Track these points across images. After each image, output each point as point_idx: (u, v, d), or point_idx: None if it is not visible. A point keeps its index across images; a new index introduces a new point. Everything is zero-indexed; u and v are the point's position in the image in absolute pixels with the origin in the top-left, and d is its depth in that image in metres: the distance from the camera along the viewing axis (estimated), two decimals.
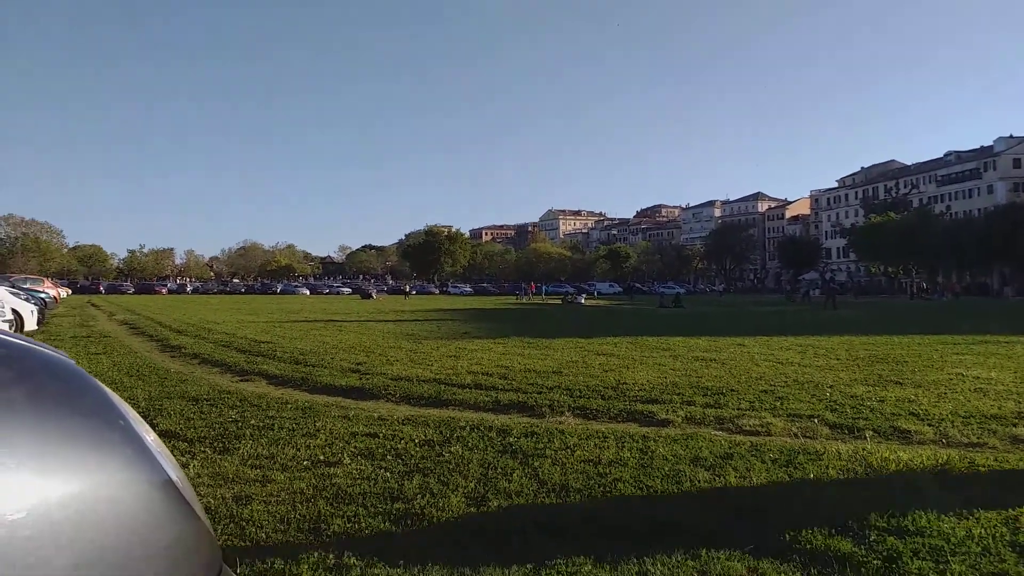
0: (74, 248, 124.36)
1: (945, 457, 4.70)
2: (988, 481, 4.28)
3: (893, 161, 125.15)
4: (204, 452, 4.97)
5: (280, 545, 3.30)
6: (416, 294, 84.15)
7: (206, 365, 10.54)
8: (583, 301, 50.82)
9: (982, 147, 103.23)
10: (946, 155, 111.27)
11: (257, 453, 4.87)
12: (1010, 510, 3.74)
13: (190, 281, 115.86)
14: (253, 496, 3.95)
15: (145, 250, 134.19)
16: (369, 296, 62.69)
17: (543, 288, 74.65)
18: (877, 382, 8.57)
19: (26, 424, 0.77)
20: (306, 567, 3.02)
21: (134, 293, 78.86)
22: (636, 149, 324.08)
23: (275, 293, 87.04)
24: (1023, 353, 12.26)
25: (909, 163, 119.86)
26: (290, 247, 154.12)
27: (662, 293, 65.62)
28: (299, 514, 3.66)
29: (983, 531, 3.41)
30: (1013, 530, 3.43)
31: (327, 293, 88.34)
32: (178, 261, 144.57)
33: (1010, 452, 5.19)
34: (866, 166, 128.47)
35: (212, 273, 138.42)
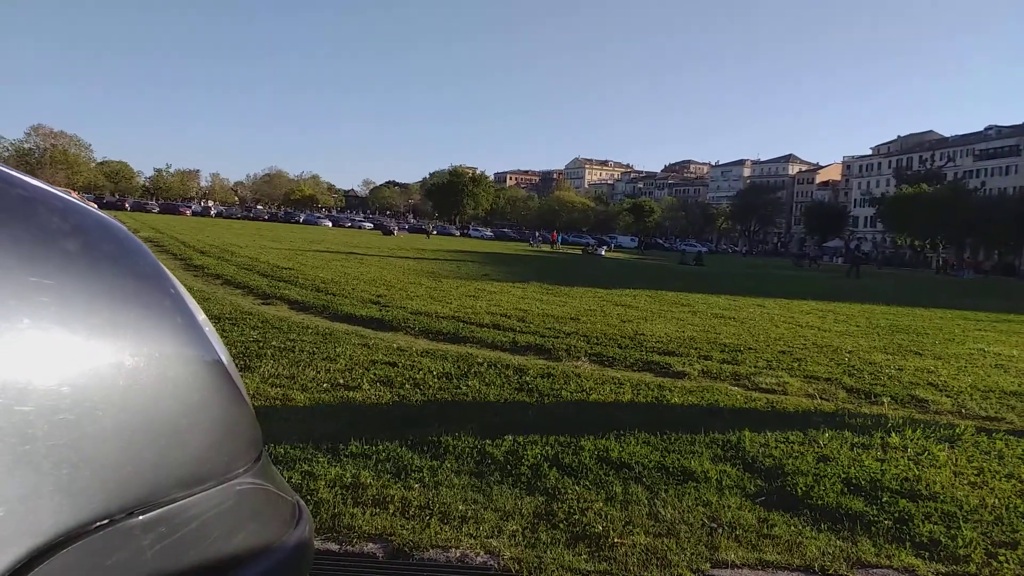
0: (102, 163, 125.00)
1: (962, 427, 4.67)
2: (1004, 453, 4.26)
3: (931, 132, 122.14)
4: None
5: (298, 460, 3.36)
6: (436, 234, 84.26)
7: (228, 286, 10.65)
8: (603, 253, 50.69)
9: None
10: (986, 129, 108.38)
11: (278, 373, 4.94)
12: (1022, 484, 3.73)
13: (215, 204, 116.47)
14: (273, 412, 4.02)
15: (171, 170, 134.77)
16: (390, 233, 62.90)
17: (560, 237, 73.74)
18: (896, 351, 8.51)
19: (82, 278, 0.76)
20: (323, 484, 3.08)
21: (159, 212, 79.43)
22: (667, 99, 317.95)
23: (298, 223, 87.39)
24: None
25: (947, 135, 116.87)
26: (315, 178, 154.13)
27: (683, 250, 65.23)
28: (318, 432, 3.72)
29: (996, 500, 3.41)
30: None
31: (349, 226, 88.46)
32: (203, 183, 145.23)
33: None
34: (903, 135, 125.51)
35: (236, 198, 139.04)
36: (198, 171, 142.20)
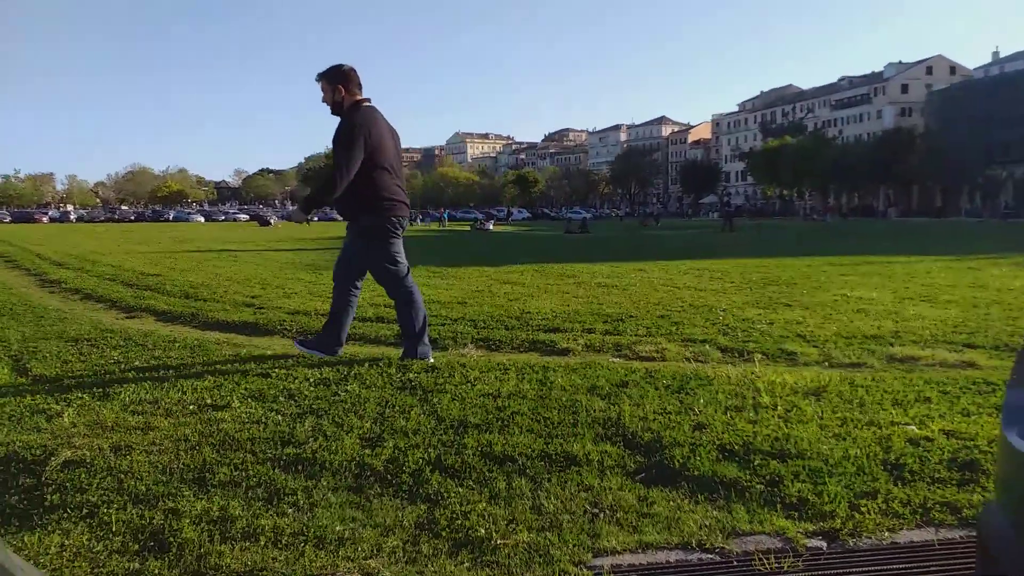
0: None
1: (826, 379, 4.92)
2: (865, 400, 4.51)
3: (790, 86, 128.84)
4: (82, 399, 4.67)
5: (161, 497, 3.13)
6: (319, 220, 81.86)
7: (89, 301, 9.94)
8: (491, 227, 50.84)
9: (873, 73, 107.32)
10: (840, 80, 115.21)
11: (140, 398, 4.61)
12: (883, 429, 3.95)
13: (74, 209, 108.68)
14: (133, 445, 3.74)
15: (21, 175, 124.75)
16: (268, 223, 60.67)
17: (447, 214, 73.16)
18: (768, 304, 8.92)
19: None
20: (187, 522, 2.88)
21: (11, 222, 73.41)
22: (543, 72, 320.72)
23: (167, 220, 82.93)
24: (901, 272, 13.04)
25: (805, 88, 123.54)
26: (182, 172, 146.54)
27: (569, 218, 66.40)
28: (183, 463, 3.48)
29: (858, 451, 3.59)
30: (885, 449, 3.63)
31: (223, 220, 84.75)
32: (59, 187, 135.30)
33: (886, 371, 5.50)
34: (765, 90, 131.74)
35: (98, 200, 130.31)
36: (52, 174, 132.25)
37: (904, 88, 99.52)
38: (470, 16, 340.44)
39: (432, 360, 5.62)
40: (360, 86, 5.44)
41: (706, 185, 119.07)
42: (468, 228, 52.33)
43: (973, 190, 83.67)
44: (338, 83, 5.35)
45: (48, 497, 3.17)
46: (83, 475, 3.37)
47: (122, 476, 3.36)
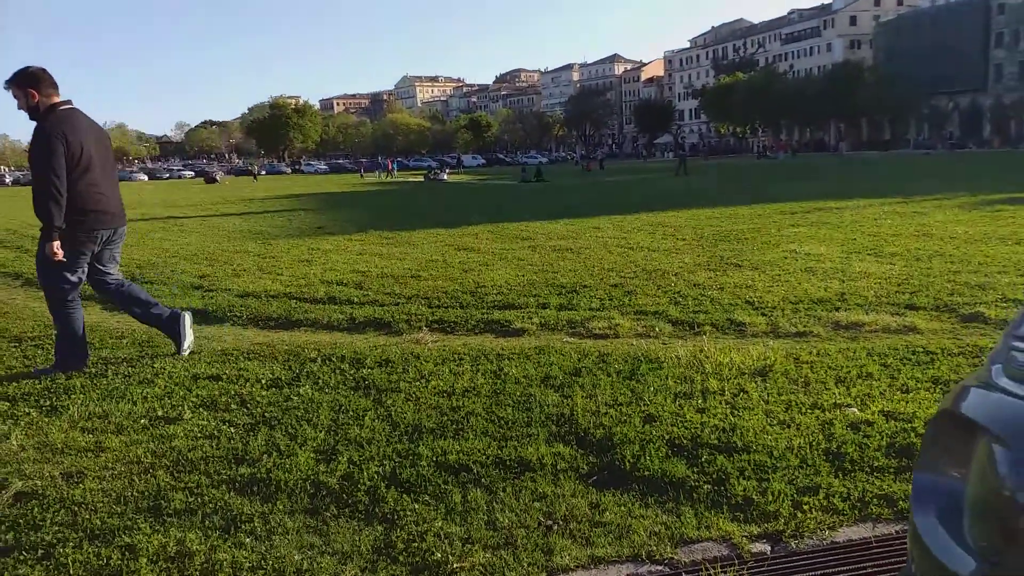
0: None
1: (772, 358, 5.05)
2: (810, 379, 4.65)
3: (741, 20, 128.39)
4: (28, 414, 4.57)
5: (116, 531, 3.12)
6: (266, 174, 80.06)
7: (31, 287, 9.66)
8: (446, 177, 50.27)
9: (822, 5, 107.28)
10: (789, 13, 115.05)
11: (89, 412, 4.53)
12: (826, 412, 4.09)
13: (8, 171, 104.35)
14: (86, 471, 3.69)
15: None
16: (214, 180, 59.17)
17: (396, 164, 71.45)
18: (718, 266, 9.06)
19: None
20: (145, 560, 2.88)
21: None
22: (491, 10, 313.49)
23: None
24: (850, 221, 13.32)
25: (756, 22, 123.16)
26: (120, 127, 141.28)
27: (524, 164, 65.91)
28: (137, 490, 3.46)
29: (802, 440, 3.71)
30: (827, 436, 3.76)
31: (167, 178, 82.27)
32: None
33: (831, 341, 5.66)
34: (716, 25, 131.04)
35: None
36: None
37: (853, 20, 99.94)
38: None
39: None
40: (55, 86, 5.14)
41: (660, 124, 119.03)
42: (421, 179, 51.67)
43: (921, 121, 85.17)
44: (28, 87, 5.03)
45: (2, 536, 3.13)
46: (36, 509, 3.32)
47: (76, 508, 3.32)
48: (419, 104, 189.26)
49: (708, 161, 68.96)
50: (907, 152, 72.43)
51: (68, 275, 5.24)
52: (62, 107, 5.12)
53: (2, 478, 3.64)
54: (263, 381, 4.98)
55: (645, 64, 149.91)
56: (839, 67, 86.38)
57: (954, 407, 1.43)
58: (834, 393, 4.39)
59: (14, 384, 5.24)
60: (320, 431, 4.05)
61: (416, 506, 3.24)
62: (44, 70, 5.15)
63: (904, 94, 76.55)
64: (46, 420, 4.46)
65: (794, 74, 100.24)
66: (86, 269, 5.37)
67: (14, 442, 4.11)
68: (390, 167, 67.34)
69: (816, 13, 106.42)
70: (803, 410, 4.14)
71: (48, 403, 4.77)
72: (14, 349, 6.33)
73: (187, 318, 5.78)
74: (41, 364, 5.71)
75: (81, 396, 4.86)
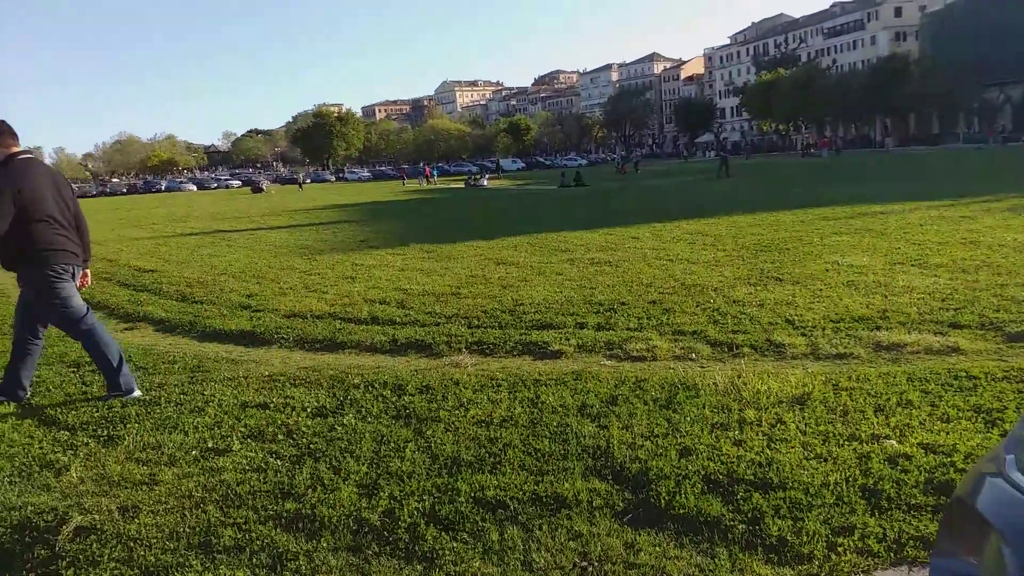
0: None
1: (811, 385, 5.03)
2: (848, 408, 4.63)
3: (782, 15, 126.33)
4: (87, 444, 4.80)
5: (170, 569, 3.27)
6: (311, 182, 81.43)
7: None
8: (486, 183, 50.56)
9: None
10: (832, 6, 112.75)
11: (143, 442, 4.74)
12: (864, 444, 4.08)
13: None
14: (141, 505, 3.87)
15: None
16: (260, 190, 60.36)
17: (436, 170, 71.19)
18: (759, 279, 8.99)
19: None
20: None
21: None
22: (530, 12, 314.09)
23: (159, 191, 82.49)
24: (895, 227, 13.07)
25: (798, 16, 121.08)
26: (170, 138, 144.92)
27: (564, 167, 65.82)
28: (188, 526, 3.62)
29: (838, 475, 3.71)
30: (864, 471, 3.75)
31: (215, 188, 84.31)
32: (48, 161, 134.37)
33: (872, 364, 5.61)
34: (756, 21, 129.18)
35: (88, 173, 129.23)
36: (39, 148, 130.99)
37: (898, 11, 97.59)
38: None
39: (138, 392, 5.73)
40: (14, 135, 5.34)
41: (701, 123, 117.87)
42: (462, 184, 52.01)
43: (971, 115, 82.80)
44: None
45: (63, 573, 3.31)
46: (95, 544, 3.50)
47: (132, 544, 3.49)
48: (459, 109, 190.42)
49: (750, 160, 67.97)
50: (957, 147, 70.47)
51: (66, 309, 5.49)
52: (20, 156, 5.38)
53: (63, 512, 3.84)
54: (308, 410, 5.14)
55: (685, 62, 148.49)
56: (884, 61, 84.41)
57: (969, 498, 1.46)
58: (872, 423, 4.37)
59: (73, 412, 5.48)
60: (363, 464, 4.18)
61: (455, 544, 3.33)
62: (4, 122, 5.41)
63: (953, 86, 74.44)
64: (103, 451, 4.68)
65: (837, 69, 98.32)
66: (77, 291, 5.63)
67: (74, 474, 4.32)
68: (428, 173, 67.38)
69: (859, 6, 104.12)
70: (840, 442, 4.13)
71: (105, 433, 4.99)
72: (72, 374, 6.61)
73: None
74: (97, 391, 5.97)
75: (136, 425, 5.07)
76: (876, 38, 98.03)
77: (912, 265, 9.37)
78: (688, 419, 4.56)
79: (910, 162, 43.43)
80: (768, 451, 4.05)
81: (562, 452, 4.20)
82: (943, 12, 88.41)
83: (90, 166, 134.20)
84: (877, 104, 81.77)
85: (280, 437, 4.68)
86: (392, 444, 4.44)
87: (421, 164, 75.61)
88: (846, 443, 4.11)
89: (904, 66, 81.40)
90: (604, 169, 73.69)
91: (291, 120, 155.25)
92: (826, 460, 3.92)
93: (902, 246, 10.93)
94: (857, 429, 4.29)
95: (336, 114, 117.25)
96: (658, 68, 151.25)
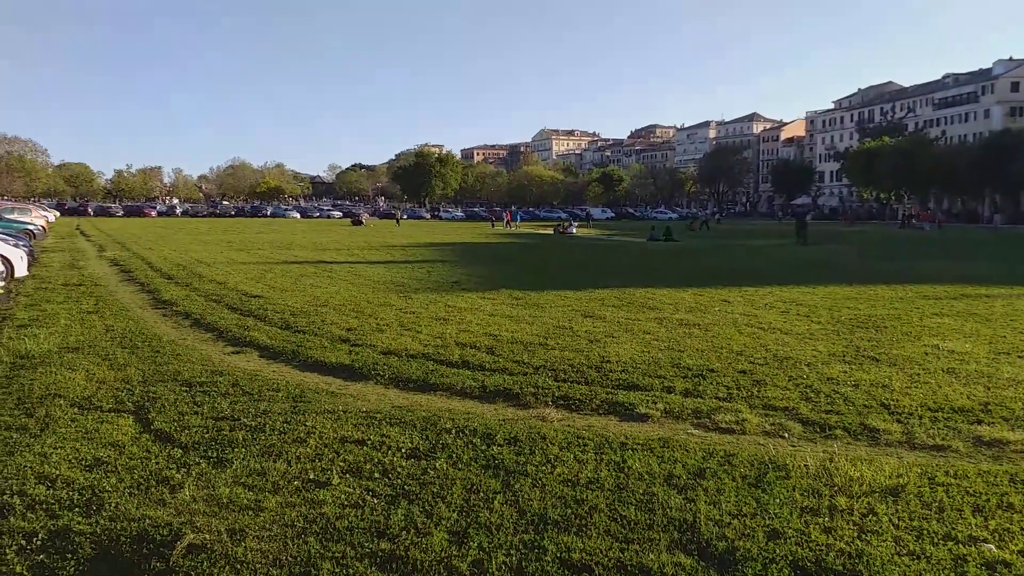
0: (60, 167, 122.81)
1: (906, 476, 4.92)
2: (944, 504, 4.51)
3: (890, 83, 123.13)
4: (199, 464, 5.15)
5: None
6: (407, 218, 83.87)
7: (198, 329, 10.68)
8: (575, 231, 50.89)
9: (980, 70, 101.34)
10: (944, 77, 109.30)
11: (250, 468, 5.05)
12: (960, 546, 3.98)
13: (179, 203, 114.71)
14: (247, 529, 4.14)
15: (133, 170, 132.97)
16: (360, 223, 62.45)
17: (518, 215, 70.40)
18: (854, 358, 8.79)
19: None
20: None
21: (123, 216, 78.18)
22: (631, 67, 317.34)
23: (265, 216, 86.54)
24: (1001, 313, 12.51)
25: (907, 85, 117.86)
26: (279, 167, 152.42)
27: (654, 219, 65.29)
28: (291, 555, 3.86)
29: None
30: (960, 575, 3.67)
31: (317, 217, 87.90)
32: (166, 180, 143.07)
33: (970, 459, 5.43)
34: (863, 87, 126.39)
35: (201, 194, 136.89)
36: (160, 168, 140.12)
37: (1015, 86, 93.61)
38: (559, 15, 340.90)
39: None
40: None
41: (799, 185, 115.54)
42: (551, 231, 52.51)
43: None
44: None
45: None
46: (205, 563, 3.78)
47: (239, 567, 3.75)
48: (554, 156, 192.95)
49: (853, 227, 65.94)
50: None
51: None
52: None
53: (178, 528, 4.15)
54: (403, 450, 5.36)
55: (785, 124, 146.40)
56: (997, 135, 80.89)
57: None
58: (970, 524, 4.25)
59: (186, 432, 5.89)
60: (453, 511, 4.35)
61: None
62: None
63: None
64: (214, 472, 5.01)
65: (946, 140, 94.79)
66: None
67: (187, 493, 4.65)
68: (508, 218, 65.75)
69: (974, 78, 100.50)
70: (935, 540, 4.04)
71: (215, 454, 5.35)
72: (186, 393, 7.08)
73: None
74: (208, 411, 6.39)
75: (243, 450, 5.41)
76: (990, 111, 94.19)
77: (1019, 356, 8.96)
78: (777, 500, 4.55)
79: (1020, 242, 41.29)
80: (859, 542, 4.01)
81: (648, 522, 4.26)
82: None
83: (203, 188, 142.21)
84: (987, 179, 78.26)
85: (376, 475, 4.92)
86: (481, 494, 4.60)
87: (500, 208, 75.31)
88: (941, 542, 4.02)
89: (1019, 142, 77.79)
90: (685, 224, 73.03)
91: (394, 157, 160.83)
92: (919, 558, 3.85)
93: (1008, 334, 10.46)
94: (953, 528, 4.19)
95: (437, 155, 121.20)
96: (757, 128, 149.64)
